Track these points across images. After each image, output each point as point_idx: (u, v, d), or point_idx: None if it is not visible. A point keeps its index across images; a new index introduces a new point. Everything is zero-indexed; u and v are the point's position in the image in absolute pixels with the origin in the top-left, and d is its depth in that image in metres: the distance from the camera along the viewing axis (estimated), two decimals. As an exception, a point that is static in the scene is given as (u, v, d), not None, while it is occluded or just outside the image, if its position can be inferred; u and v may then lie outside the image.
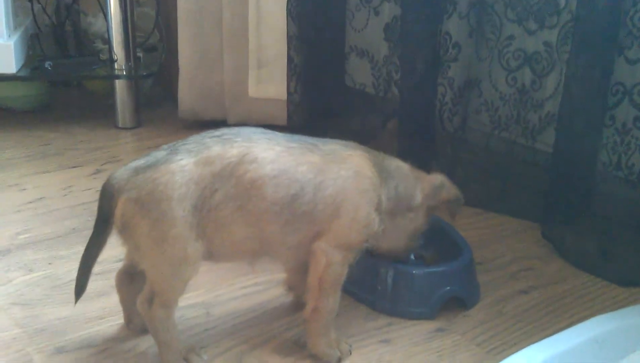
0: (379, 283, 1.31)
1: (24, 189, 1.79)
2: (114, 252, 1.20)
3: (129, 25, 2.18)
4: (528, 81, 1.65)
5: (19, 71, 2.13)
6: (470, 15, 1.66)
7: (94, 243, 1.13)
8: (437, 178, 1.27)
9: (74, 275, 1.16)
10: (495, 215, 1.68)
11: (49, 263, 1.44)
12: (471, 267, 1.35)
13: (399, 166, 1.23)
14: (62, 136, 2.14)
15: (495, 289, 1.38)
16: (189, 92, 2.16)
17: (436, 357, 1.19)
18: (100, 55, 2.30)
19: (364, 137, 1.30)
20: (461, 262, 1.33)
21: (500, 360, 1.07)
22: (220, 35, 2.10)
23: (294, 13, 1.97)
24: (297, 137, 1.18)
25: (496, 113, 1.71)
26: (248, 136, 1.14)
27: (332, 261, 1.13)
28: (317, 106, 2.04)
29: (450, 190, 1.27)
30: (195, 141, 1.13)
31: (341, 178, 1.14)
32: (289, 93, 2.03)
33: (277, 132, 1.18)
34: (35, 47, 2.33)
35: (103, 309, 1.29)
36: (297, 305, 1.28)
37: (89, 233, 1.14)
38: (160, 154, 1.11)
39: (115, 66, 2.19)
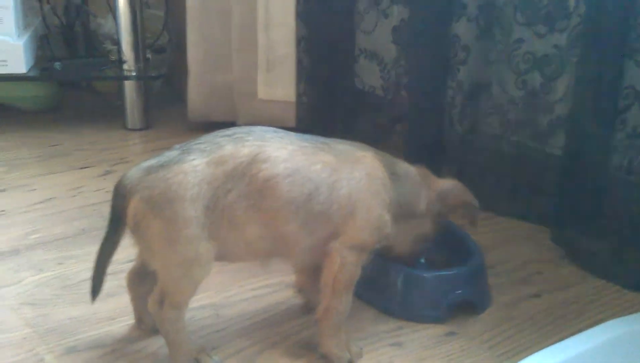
0: (390, 286, 1.30)
1: (33, 190, 1.79)
2: (124, 253, 1.19)
3: (138, 27, 2.18)
4: (538, 84, 1.64)
5: (28, 71, 2.13)
6: (480, 18, 1.66)
7: (108, 243, 1.13)
8: (445, 184, 1.26)
9: (84, 275, 1.16)
10: (505, 219, 1.67)
11: (59, 264, 1.45)
12: (482, 271, 1.34)
13: (407, 171, 1.23)
14: (71, 136, 2.15)
15: (505, 293, 1.38)
16: (198, 93, 2.16)
17: (446, 360, 1.19)
18: (110, 56, 2.30)
19: (373, 139, 1.29)
20: (472, 266, 1.32)
21: (511, 364, 1.07)
22: (229, 36, 2.10)
23: (303, 15, 1.97)
24: (308, 136, 1.18)
25: (506, 116, 1.70)
26: (260, 135, 1.14)
27: (346, 262, 1.13)
28: (326, 108, 2.04)
29: (460, 196, 1.26)
30: (208, 140, 1.13)
31: (355, 178, 1.14)
32: (298, 95, 2.03)
33: (289, 132, 1.18)
34: (44, 47, 2.33)
35: (114, 309, 1.29)
36: (308, 307, 1.28)
37: (98, 233, 1.14)
38: (172, 154, 1.11)
39: (125, 67, 2.19)
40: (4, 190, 1.79)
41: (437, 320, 1.28)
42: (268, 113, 2.10)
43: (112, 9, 2.23)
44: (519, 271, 1.46)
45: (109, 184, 1.12)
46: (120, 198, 1.10)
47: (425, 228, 1.25)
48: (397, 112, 1.95)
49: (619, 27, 1.41)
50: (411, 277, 1.29)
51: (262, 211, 1.11)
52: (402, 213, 1.20)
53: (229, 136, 1.14)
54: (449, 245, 1.36)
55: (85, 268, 1.15)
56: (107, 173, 1.88)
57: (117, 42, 2.22)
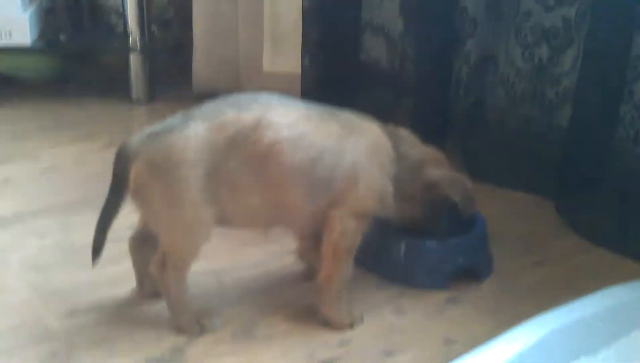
0: (392, 254, 1.30)
1: (38, 160, 1.80)
2: (126, 220, 1.20)
3: (144, 0, 2.17)
4: (545, 57, 1.63)
5: (33, 43, 2.13)
6: (487, -9, 1.65)
7: (110, 206, 1.13)
8: (434, 176, 1.21)
9: (87, 241, 1.16)
10: (510, 191, 1.67)
11: (62, 230, 1.45)
12: (484, 239, 1.34)
13: (408, 153, 1.21)
14: (76, 108, 2.15)
15: (508, 262, 1.37)
16: (203, 66, 2.16)
17: (447, 327, 1.19)
18: (115, 29, 2.30)
19: (378, 113, 1.29)
20: (474, 234, 1.32)
21: (512, 331, 1.06)
22: (235, 9, 2.09)
23: (309, -13, 1.95)
24: (315, 105, 1.18)
25: (512, 89, 1.69)
26: (264, 101, 1.13)
27: (346, 229, 1.13)
28: (331, 81, 2.03)
29: (450, 188, 1.21)
30: (210, 107, 1.13)
31: (360, 147, 1.14)
32: (303, 68, 2.02)
33: (294, 99, 1.18)
34: (50, 20, 2.33)
35: (116, 274, 1.29)
36: (309, 274, 1.28)
37: (101, 202, 1.15)
38: (175, 120, 1.12)
39: (130, 40, 2.19)
40: (9, 159, 1.79)
41: (438, 287, 1.28)
42: (273, 86, 2.08)
43: (118, -18, 2.23)
44: (522, 241, 1.46)
45: (113, 156, 1.12)
46: (122, 162, 1.10)
47: (415, 212, 1.24)
48: (403, 86, 1.94)
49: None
50: (413, 245, 1.29)
51: (264, 178, 1.10)
52: (395, 192, 1.19)
53: (232, 102, 1.14)
54: (451, 214, 1.36)
55: (88, 235, 1.15)
56: (111, 144, 1.88)
57: (122, 15, 2.21)
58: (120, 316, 1.19)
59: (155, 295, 1.19)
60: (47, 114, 2.09)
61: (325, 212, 1.14)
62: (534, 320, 1.03)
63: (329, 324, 1.16)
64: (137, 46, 2.19)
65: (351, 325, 1.17)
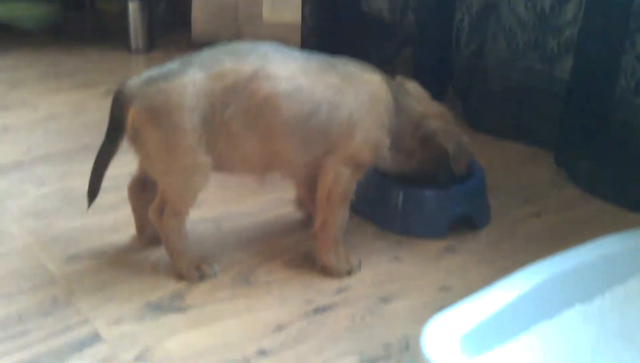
0: (390, 202, 1.30)
1: (36, 108, 1.79)
2: (125, 169, 1.20)
3: (143, -54, 2.15)
4: (547, 6, 1.61)
5: (30, -10, 2.11)
6: (491, -61, 1.62)
7: (106, 149, 1.13)
8: (433, 126, 1.20)
9: (85, 189, 1.16)
10: (510, 142, 1.66)
11: (61, 178, 1.45)
12: (482, 188, 1.34)
13: (409, 107, 1.21)
14: (74, 57, 2.13)
15: (507, 212, 1.38)
16: (202, 15, 2.14)
17: (445, 274, 1.19)
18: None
19: (379, 63, 1.28)
20: (472, 183, 1.32)
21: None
22: (235, -44, 2.06)
23: None
24: (315, 55, 1.17)
25: (514, 39, 1.68)
26: (263, 51, 1.12)
27: (340, 176, 1.13)
28: (332, 31, 2.01)
29: (445, 140, 1.20)
30: (209, 54, 1.12)
31: (358, 99, 1.14)
32: (303, 18, 2.00)
33: (294, 50, 1.16)
34: (47, -33, 2.30)
35: (115, 221, 1.30)
36: (307, 222, 1.28)
37: (100, 149, 1.15)
38: (173, 66, 1.11)
39: (129, -13, 2.17)
40: (7, 107, 1.78)
41: (436, 236, 1.28)
42: (273, 36, 2.06)
43: None
44: (521, 192, 1.46)
45: (111, 103, 1.12)
46: (119, 106, 1.10)
47: (414, 166, 1.24)
48: (404, 36, 1.92)
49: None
50: (411, 194, 1.29)
51: (260, 128, 1.10)
52: (392, 144, 1.18)
53: (231, 51, 1.13)
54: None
55: (86, 183, 1.15)
56: (110, 92, 1.85)
57: (121, -38, 2.19)
58: (120, 262, 1.19)
59: (155, 241, 1.20)
60: (45, 63, 2.08)
61: (320, 161, 1.14)
62: (529, 268, 1.03)
63: (326, 271, 1.17)
64: (136, -7, 2.17)
65: (349, 273, 1.17)
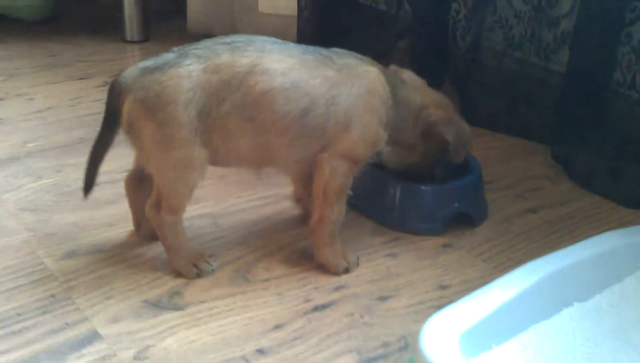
0: (387, 198, 1.31)
1: (32, 99, 1.78)
2: (122, 162, 1.20)
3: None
4: (544, -1, 1.61)
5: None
6: None
7: (101, 140, 1.13)
8: (434, 115, 1.20)
9: (82, 183, 1.16)
10: (506, 136, 1.67)
11: (58, 171, 1.45)
12: (479, 184, 1.34)
13: (408, 98, 1.20)
14: (70, 47, 2.12)
15: (503, 208, 1.38)
16: (198, 5, 2.13)
17: (442, 271, 1.20)
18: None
19: (375, 55, 1.27)
20: (469, 179, 1.32)
21: (506, 275, 1.08)
22: (231, -53, 2.05)
23: None
24: (311, 48, 1.16)
25: (510, 31, 1.68)
26: (260, 45, 1.12)
27: (336, 171, 1.13)
28: (328, 22, 2.00)
29: (445, 129, 1.20)
30: (206, 46, 1.11)
31: (354, 93, 1.13)
32: (299, 9, 1.99)
33: (290, 43, 1.16)
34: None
35: (112, 216, 1.29)
36: (305, 218, 1.28)
37: (97, 142, 1.14)
38: (169, 56, 1.09)
39: (124, -23, 2.15)
40: (2, 99, 1.78)
41: (433, 232, 1.28)
42: (269, 27, 2.06)
43: None
44: (517, 187, 1.46)
45: (107, 94, 1.12)
46: (115, 97, 1.09)
47: (413, 160, 1.24)
48: (400, 27, 1.91)
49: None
50: (408, 190, 1.29)
51: (256, 123, 1.10)
52: (391, 138, 1.18)
53: (228, 44, 1.12)
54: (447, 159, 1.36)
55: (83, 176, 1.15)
56: (106, 84, 1.85)
57: (115, -48, 2.17)
58: (117, 258, 1.19)
59: (153, 236, 1.19)
60: (41, 53, 2.07)
61: (317, 155, 1.14)
62: (528, 266, 1.03)
63: (324, 267, 1.17)
64: (130, -17, 2.16)
65: (347, 270, 1.17)
